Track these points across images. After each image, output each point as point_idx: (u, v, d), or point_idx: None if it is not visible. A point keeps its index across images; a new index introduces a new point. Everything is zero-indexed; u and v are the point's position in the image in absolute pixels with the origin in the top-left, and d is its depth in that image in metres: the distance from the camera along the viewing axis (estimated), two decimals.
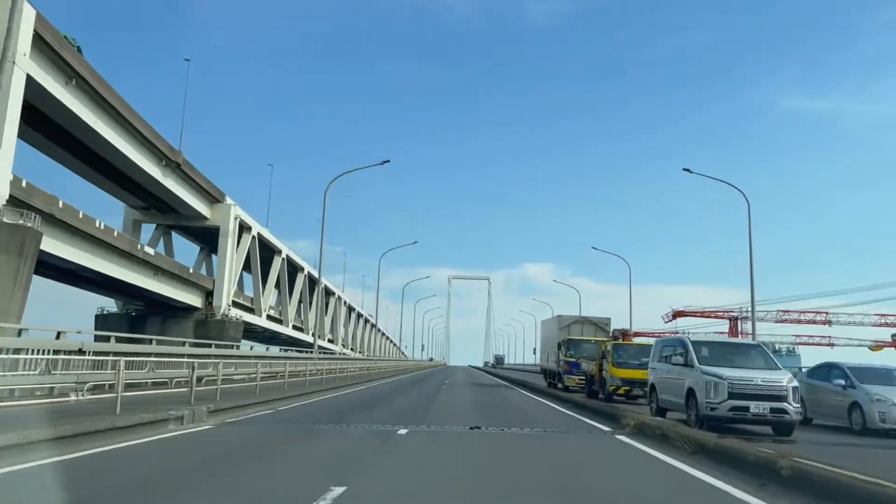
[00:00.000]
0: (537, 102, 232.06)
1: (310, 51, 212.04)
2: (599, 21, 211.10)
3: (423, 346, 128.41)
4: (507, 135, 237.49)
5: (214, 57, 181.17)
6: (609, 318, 28.25)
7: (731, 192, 34.55)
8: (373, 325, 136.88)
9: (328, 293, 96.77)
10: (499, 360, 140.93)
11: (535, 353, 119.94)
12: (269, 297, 68.38)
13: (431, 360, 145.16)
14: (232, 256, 55.34)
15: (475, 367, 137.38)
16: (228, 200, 55.25)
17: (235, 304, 59.47)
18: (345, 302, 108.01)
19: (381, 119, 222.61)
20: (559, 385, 28.13)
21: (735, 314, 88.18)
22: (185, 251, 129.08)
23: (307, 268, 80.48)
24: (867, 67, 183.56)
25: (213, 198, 54.01)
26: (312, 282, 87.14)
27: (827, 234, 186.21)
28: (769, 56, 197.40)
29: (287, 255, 71.52)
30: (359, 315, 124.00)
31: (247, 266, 65.07)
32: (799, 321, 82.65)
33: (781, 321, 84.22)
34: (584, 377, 24.78)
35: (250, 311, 64.04)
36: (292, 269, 77.66)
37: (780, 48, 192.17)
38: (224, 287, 54.06)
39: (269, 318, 70.85)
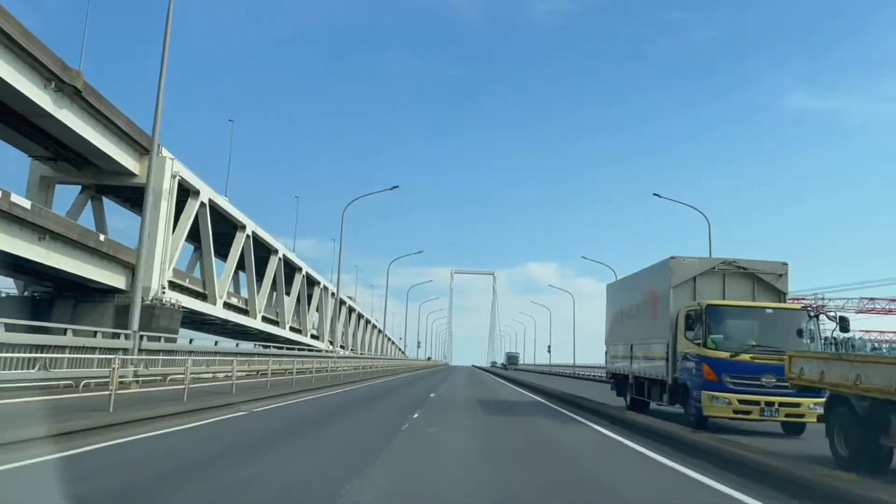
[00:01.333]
0: (539, 102, 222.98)
1: (311, 47, 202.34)
2: (602, 19, 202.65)
3: (419, 342, 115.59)
4: (508, 134, 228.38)
5: (213, 58, 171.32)
6: (785, 265, 14.36)
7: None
8: (367, 321, 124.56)
9: (311, 282, 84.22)
10: (511, 360, 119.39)
11: (544, 350, 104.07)
12: (228, 281, 55.94)
13: (429, 359, 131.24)
14: (168, 225, 42.93)
15: (480, 368, 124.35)
16: (164, 153, 42.82)
17: (177, 288, 47.10)
18: (332, 293, 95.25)
19: (383, 117, 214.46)
20: (660, 406, 15.32)
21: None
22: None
23: (281, 249, 68.11)
24: (873, 66, 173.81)
25: (143, 147, 41.56)
26: (290, 268, 74.88)
27: None
28: (773, 53, 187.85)
29: (253, 233, 59.07)
30: (350, 310, 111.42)
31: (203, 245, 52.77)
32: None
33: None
34: (780, 398, 12.34)
35: (202, 297, 51.67)
36: (264, 250, 65.37)
37: (784, 46, 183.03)
38: (155, 263, 41.63)
39: (231, 307, 58.43)
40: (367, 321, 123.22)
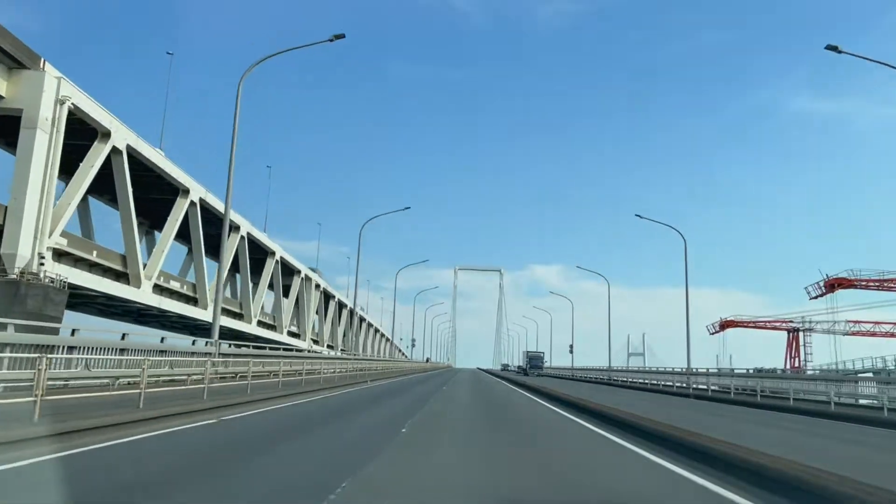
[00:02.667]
0: (543, 104, 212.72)
1: (313, 49, 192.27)
2: (607, 21, 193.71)
3: (413, 340, 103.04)
4: (507, 135, 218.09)
5: (213, 62, 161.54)
6: None
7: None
8: (361, 319, 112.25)
9: (290, 271, 71.71)
10: (534, 363, 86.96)
11: (559, 351, 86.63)
12: (161, 259, 43.55)
13: (428, 360, 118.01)
14: (50, 168, 30.58)
15: (486, 371, 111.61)
16: (49, 69, 30.61)
17: (82, 263, 34.84)
18: (317, 285, 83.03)
19: (385, 118, 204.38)
20: None
21: (796, 325, 67.96)
22: None
23: (245, 226, 55.76)
24: (878, 68, 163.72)
25: (13, 59, 29.40)
26: (263, 252, 62.57)
27: None
28: (779, 56, 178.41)
29: (201, 200, 46.72)
30: (341, 305, 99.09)
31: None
32: (874, 334, 61.79)
33: (852, 333, 62.62)
34: None
35: (123, 277, 39.37)
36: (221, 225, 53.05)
37: (790, 48, 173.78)
38: (28, 221, 29.38)
39: (171, 292, 46.16)
40: (362, 319, 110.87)
